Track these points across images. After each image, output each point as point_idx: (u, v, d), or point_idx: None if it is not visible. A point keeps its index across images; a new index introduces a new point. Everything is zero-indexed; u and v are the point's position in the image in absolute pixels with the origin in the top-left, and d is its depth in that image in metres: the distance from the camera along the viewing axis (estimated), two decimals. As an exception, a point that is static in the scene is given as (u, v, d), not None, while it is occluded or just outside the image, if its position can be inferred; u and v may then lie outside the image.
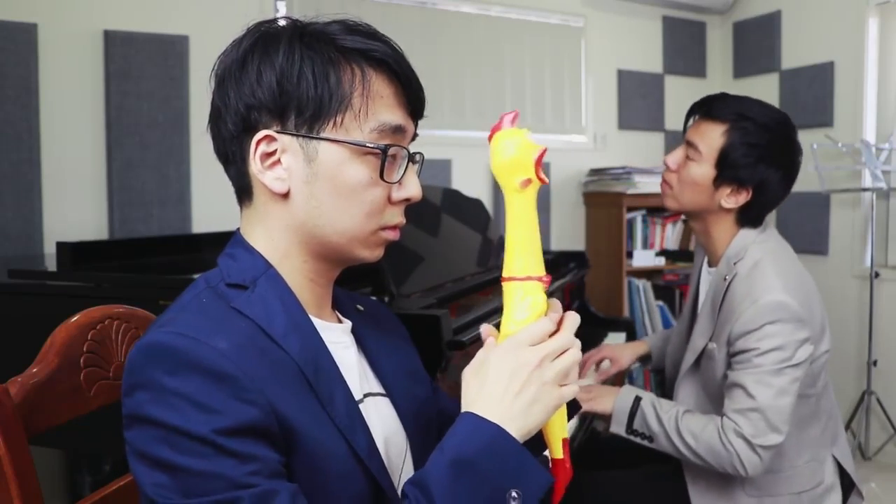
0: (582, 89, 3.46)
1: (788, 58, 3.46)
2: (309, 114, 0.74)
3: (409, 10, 3.00)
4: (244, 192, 0.80)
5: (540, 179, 0.73)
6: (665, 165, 1.56)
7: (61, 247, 1.71)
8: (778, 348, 1.37)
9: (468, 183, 2.88)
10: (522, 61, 3.29)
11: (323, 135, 0.75)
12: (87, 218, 2.40)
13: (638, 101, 3.60)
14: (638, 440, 1.52)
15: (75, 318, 0.88)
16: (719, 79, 3.83)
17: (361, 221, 0.77)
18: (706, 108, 1.51)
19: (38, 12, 2.29)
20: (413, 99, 0.80)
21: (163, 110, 2.47)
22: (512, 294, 0.75)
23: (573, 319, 0.76)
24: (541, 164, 0.73)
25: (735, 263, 1.48)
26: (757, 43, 3.60)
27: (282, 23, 0.79)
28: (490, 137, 0.75)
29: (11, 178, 2.24)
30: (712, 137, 1.47)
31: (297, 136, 0.75)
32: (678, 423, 1.46)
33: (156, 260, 1.89)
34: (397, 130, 0.77)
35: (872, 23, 3.14)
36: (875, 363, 3.04)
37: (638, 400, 1.53)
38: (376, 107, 0.76)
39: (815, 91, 3.31)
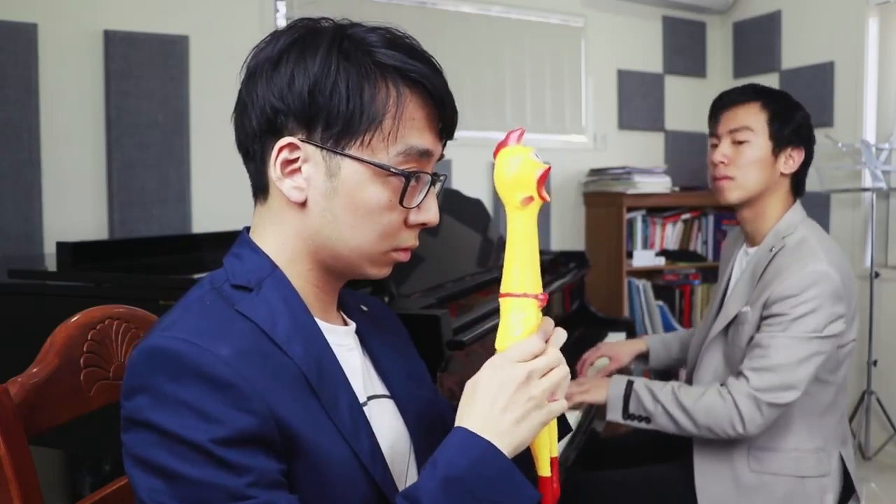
0: (582, 89, 3.46)
1: (788, 58, 3.46)
2: (337, 129, 0.73)
3: (409, 10, 3.00)
4: (260, 190, 0.79)
5: (542, 198, 0.73)
6: (714, 164, 1.60)
7: (61, 247, 1.71)
8: (810, 316, 1.41)
9: (468, 183, 2.88)
10: (522, 61, 3.29)
11: (348, 152, 0.73)
12: (87, 218, 2.40)
13: (638, 101, 3.60)
14: (635, 423, 1.54)
15: (75, 318, 0.88)
16: (719, 79, 3.83)
17: (375, 241, 0.76)
18: (732, 98, 1.60)
19: (38, 12, 2.29)
20: (445, 122, 0.79)
21: (163, 110, 2.47)
22: (507, 310, 0.75)
23: (559, 336, 0.77)
24: (543, 183, 0.73)
25: (784, 237, 1.53)
26: (757, 43, 3.60)
27: (323, 23, 0.77)
28: (495, 154, 0.75)
29: (11, 178, 2.24)
30: (754, 114, 1.56)
31: (322, 148, 0.74)
32: (676, 394, 1.49)
33: (156, 260, 1.89)
34: (424, 154, 0.76)
35: (872, 23, 3.14)
36: (875, 363, 3.04)
37: (631, 383, 1.55)
38: (406, 130, 0.74)
39: (815, 91, 3.31)
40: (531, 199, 0.73)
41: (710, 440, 1.53)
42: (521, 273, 0.75)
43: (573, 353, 2.01)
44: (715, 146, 1.62)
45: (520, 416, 0.70)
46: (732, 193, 1.59)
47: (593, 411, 1.70)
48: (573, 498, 1.58)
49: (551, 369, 0.73)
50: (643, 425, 1.53)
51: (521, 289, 0.75)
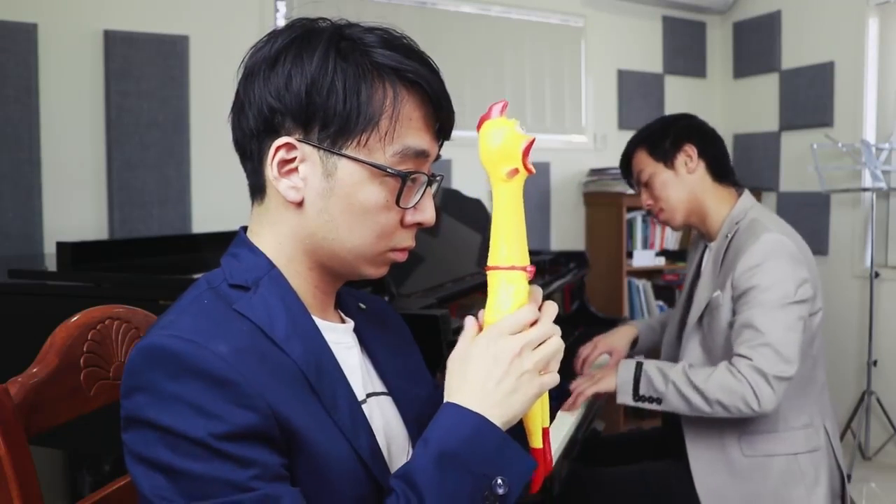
0: (582, 89, 3.46)
1: (788, 58, 3.46)
2: (334, 129, 0.73)
3: (409, 10, 3.00)
4: (257, 190, 0.79)
5: (527, 169, 0.73)
6: (647, 209, 1.78)
7: (61, 247, 1.71)
8: (780, 283, 1.47)
9: (468, 183, 2.88)
10: (522, 61, 3.29)
11: (345, 152, 0.73)
12: (87, 218, 2.41)
13: (638, 101, 3.60)
14: (646, 405, 1.55)
15: (75, 318, 0.88)
16: (719, 79, 3.83)
17: (371, 242, 0.77)
18: (624, 156, 1.80)
19: (38, 12, 2.29)
20: (442, 122, 0.79)
21: (163, 110, 2.47)
22: (496, 283, 0.75)
23: (551, 308, 0.77)
24: (528, 154, 0.72)
25: (737, 223, 1.62)
26: (757, 43, 3.60)
27: (321, 23, 0.77)
28: (478, 127, 0.75)
29: (11, 178, 2.24)
30: (639, 157, 1.75)
31: (319, 148, 0.74)
32: (687, 374, 1.51)
33: (156, 260, 1.89)
34: (420, 154, 0.76)
35: (872, 23, 3.14)
36: (875, 363, 3.04)
37: (640, 365, 1.57)
38: (403, 130, 0.74)
39: (815, 91, 3.31)
40: (516, 171, 0.73)
41: (700, 434, 1.55)
42: (508, 246, 0.74)
43: (572, 352, 2.01)
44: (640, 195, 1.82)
45: (513, 388, 0.70)
46: (672, 220, 1.74)
47: (594, 410, 1.70)
48: (574, 494, 1.59)
49: (544, 341, 0.73)
50: (654, 406, 1.54)
51: (509, 261, 0.74)
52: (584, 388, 1.62)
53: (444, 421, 0.69)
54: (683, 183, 1.70)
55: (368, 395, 0.82)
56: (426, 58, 0.77)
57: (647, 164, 1.74)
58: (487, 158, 0.74)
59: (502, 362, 0.71)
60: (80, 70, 2.37)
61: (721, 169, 1.72)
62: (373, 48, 0.74)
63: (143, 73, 2.43)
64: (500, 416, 0.69)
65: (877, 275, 3.07)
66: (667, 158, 1.71)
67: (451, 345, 1.29)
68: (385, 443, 0.79)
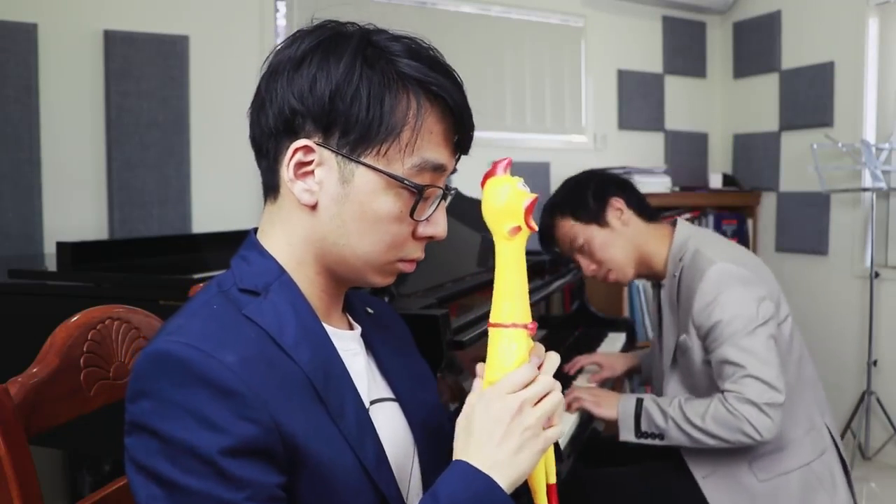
0: (582, 89, 3.46)
1: (788, 58, 3.46)
2: (354, 136, 0.72)
3: (409, 10, 3.00)
4: (271, 188, 0.79)
5: (529, 227, 0.74)
6: (593, 275, 1.72)
7: (61, 247, 1.71)
8: (740, 312, 1.45)
9: (468, 183, 2.87)
10: (522, 61, 3.29)
11: (364, 160, 0.73)
12: (87, 218, 2.40)
13: (638, 101, 3.60)
14: (649, 442, 1.54)
15: (75, 318, 0.88)
16: (719, 79, 3.83)
17: (381, 251, 0.77)
18: (543, 226, 1.75)
19: (38, 12, 2.29)
20: (462, 137, 0.79)
21: (163, 110, 2.47)
22: (497, 340, 0.75)
23: (552, 361, 0.77)
24: (531, 213, 0.73)
25: (680, 259, 1.58)
26: (757, 43, 3.60)
27: (349, 27, 0.77)
28: (482, 183, 0.76)
29: (11, 178, 2.24)
30: (563, 226, 1.70)
31: (337, 154, 0.73)
32: (682, 409, 1.50)
33: (156, 260, 1.89)
34: (438, 168, 0.76)
35: (872, 23, 3.14)
36: (875, 363, 3.04)
37: (640, 401, 1.56)
38: (423, 143, 0.74)
39: (815, 91, 3.31)
40: (519, 228, 0.74)
41: (710, 467, 1.54)
42: (510, 303, 0.75)
43: (570, 353, 2.01)
44: (578, 265, 1.74)
45: (517, 446, 0.70)
46: (624, 278, 1.69)
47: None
48: (574, 494, 1.59)
49: (544, 396, 0.73)
50: (657, 442, 1.54)
51: (510, 319, 0.75)
52: (582, 398, 1.62)
53: (454, 477, 0.69)
54: (623, 237, 1.66)
55: (373, 402, 0.82)
56: (451, 70, 0.77)
57: (578, 230, 1.68)
58: (490, 216, 0.75)
59: (502, 422, 0.70)
60: (80, 70, 2.37)
61: (647, 210, 1.69)
62: (399, 57, 0.73)
63: (143, 73, 2.43)
64: (507, 475, 0.69)
65: (877, 275, 3.07)
66: (598, 218, 1.66)
67: (451, 345, 1.30)
68: (390, 449, 0.79)
